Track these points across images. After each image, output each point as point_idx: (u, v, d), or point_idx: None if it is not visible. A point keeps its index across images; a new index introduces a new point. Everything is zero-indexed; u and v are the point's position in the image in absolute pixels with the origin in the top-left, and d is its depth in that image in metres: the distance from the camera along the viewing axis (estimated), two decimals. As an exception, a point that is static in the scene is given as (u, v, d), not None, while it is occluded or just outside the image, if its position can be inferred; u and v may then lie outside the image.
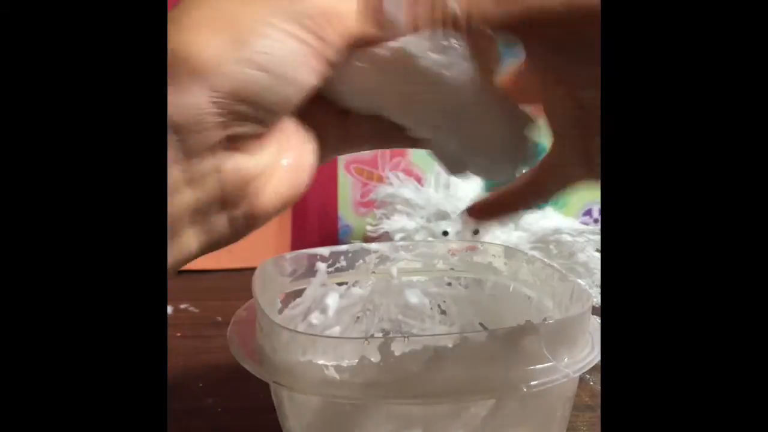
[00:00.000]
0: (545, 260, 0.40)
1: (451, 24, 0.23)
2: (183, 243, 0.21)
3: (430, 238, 0.53)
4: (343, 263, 0.42)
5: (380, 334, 0.43)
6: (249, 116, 0.21)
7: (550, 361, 0.29)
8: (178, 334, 0.50)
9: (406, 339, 0.29)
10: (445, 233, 0.53)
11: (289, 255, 0.40)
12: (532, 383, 0.28)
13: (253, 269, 0.38)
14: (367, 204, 0.72)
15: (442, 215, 0.54)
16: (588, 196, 0.71)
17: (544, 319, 0.37)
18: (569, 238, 0.50)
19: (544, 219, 0.53)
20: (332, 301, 0.41)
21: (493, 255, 0.42)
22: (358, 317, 0.43)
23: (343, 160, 0.72)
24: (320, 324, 0.41)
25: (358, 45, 0.23)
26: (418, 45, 0.23)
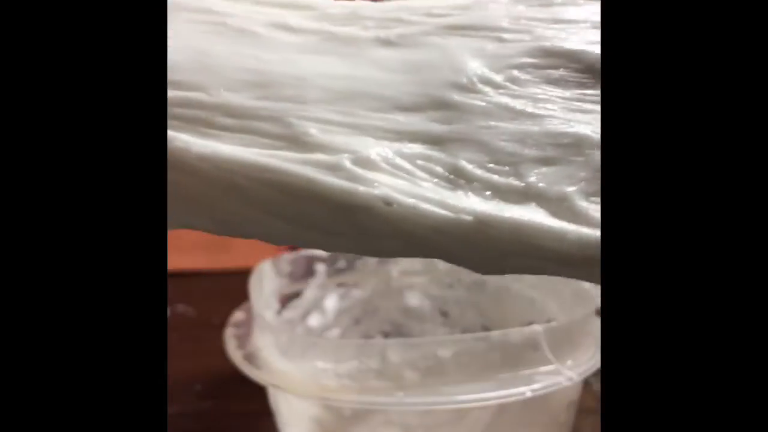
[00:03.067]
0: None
1: None
2: None
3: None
4: (343, 264, 0.41)
5: (380, 337, 0.43)
6: None
7: (554, 365, 0.29)
8: (175, 337, 0.49)
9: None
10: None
11: (288, 256, 0.40)
12: (535, 387, 0.28)
13: (250, 270, 0.38)
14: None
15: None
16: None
17: (548, 321, 0.36)
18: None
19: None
20: (331, 303, 0.41)
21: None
22: (357, 319, 0.43)
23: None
24: (319, 326, 0.40)
25: None
26: None
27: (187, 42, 0.17)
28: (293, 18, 0.18)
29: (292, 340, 0.32)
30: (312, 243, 0.16)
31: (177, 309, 0.55)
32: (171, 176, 0.16)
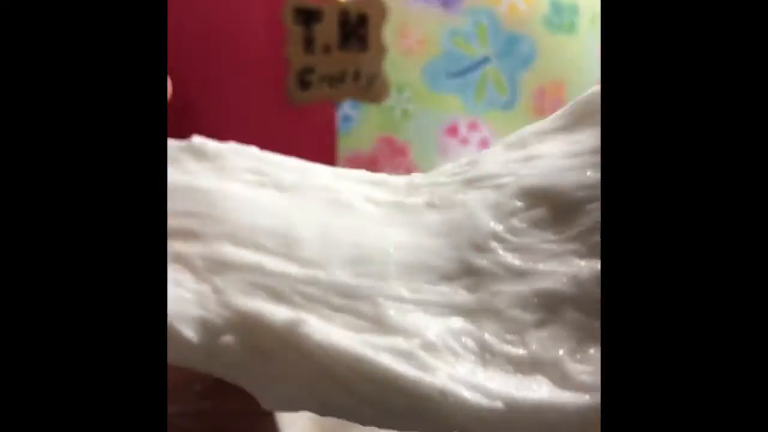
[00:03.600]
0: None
1: None
2: None
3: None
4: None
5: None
6: None
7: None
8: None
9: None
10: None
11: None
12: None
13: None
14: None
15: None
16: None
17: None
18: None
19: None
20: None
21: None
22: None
23: (341, 158, 0.72)
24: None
25: None
26: None
27: (313, 218, 0.20)
28: (376, 192, 0.21)
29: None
30: (395, 428, 0.18)
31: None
32: (290, 356, 0.18)
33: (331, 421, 0.31)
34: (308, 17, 0.67)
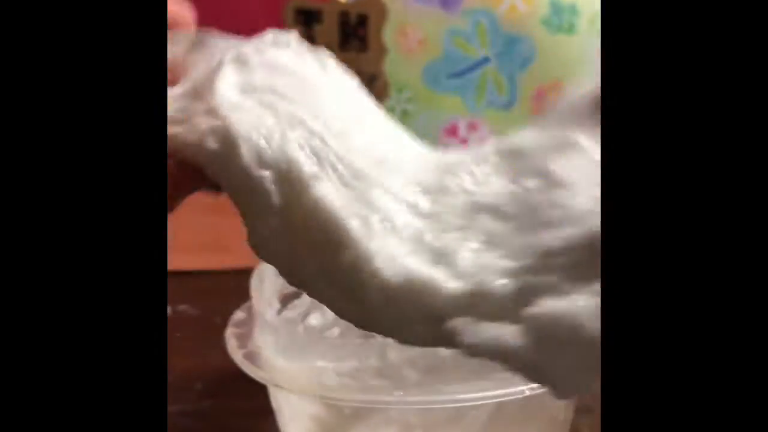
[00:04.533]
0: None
1: None
2: None
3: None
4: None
5: (380, 336, 0.43)
6: None
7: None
8: (177, 336, 0.50)
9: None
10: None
11: (288, 256, 0.40)
12: (533, 385, 0.28)
13: (252, 270, 0.38)
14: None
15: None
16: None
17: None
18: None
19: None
20: (332, 302, 0.41)
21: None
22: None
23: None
24: (319, 325, 0.40)
25: None
26: None
27: (365, 128, 0.26)
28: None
29: (293, 339, 0.32)
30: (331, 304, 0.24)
31: (178, 308, 0.55)
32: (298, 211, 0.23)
33: (331, 420, 0.31)
34: (308, 17, 0.67)
